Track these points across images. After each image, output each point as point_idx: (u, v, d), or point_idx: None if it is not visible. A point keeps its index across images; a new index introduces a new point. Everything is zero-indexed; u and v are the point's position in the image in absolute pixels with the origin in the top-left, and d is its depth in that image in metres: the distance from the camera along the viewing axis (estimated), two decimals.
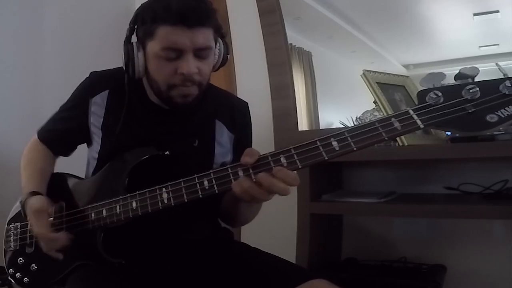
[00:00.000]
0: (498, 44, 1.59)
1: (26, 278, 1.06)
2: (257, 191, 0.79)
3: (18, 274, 1.07)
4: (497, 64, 0.78)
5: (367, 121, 1.54)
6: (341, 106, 1.95)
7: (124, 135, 1.05)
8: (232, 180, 0.82)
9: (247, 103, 1.18)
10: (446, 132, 1.45)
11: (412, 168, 1.65)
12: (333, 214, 1.69)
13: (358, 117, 1.73)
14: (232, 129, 1.12)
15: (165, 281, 1.00)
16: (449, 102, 0.71)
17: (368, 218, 1.75)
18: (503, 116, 0.68)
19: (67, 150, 1.18)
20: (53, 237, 0.97)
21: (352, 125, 1.72)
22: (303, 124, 1.91)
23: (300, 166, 0.79)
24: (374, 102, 1.66)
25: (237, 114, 1.14)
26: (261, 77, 1.95)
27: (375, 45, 1.85)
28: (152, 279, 0.98)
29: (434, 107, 0.71)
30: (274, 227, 1.79)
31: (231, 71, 2.08)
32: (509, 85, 0.68)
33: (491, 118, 0.68)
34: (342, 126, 1.81)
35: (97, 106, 1.08)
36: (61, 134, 1.15)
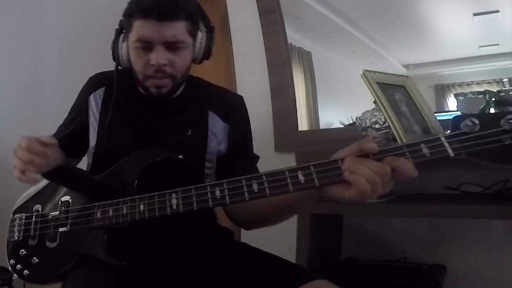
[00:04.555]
0: (498, 44, 1.59)
1: (26, 271, 1.06)
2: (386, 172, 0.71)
3: (19, 265, 1.07)
4: None
5: (367, 121, 1.54)
6: (341, 106, 1.95)
7: (118, 126, 1.08)
8: (246, 193, 0.80)
9: (242, 97, 1.20)
10: (446, 132, 1.44)
11: None
12: (333, 214, 1.69)
13: (358, 117, 1.73)
14: (226, 120, 1.13)
15: (166, 281, 1.00)
16: (485, 132, 0.67)
17: (368, 218, 1.75)
18: None
19: (75, 151, 1.18)
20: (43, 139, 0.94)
21: (351, 123, 1.72)
22: (303, 124, 1.91)
23: (317, 185, 0.75)
24: (374, 102, 1.65)
25: (230, 105, 1.16)
26: (261, 77, 1.94)
27: (375, 45, 1.85)
28: (152, 279, 0.98)
29: (469, 136, 0.68)
30: (274, 227, 1.78)
31: (231, 71, 2.08)
32: None
33: None
34: (342, 126, 1.81)
35: (95, 103, 1.12)
36: (65, 136, 1.16)
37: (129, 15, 1.01)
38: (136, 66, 1.05)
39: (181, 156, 1.02)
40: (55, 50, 2.47)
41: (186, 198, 0.87)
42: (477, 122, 0.68)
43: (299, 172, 0.76)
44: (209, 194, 0.84)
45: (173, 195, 0.89)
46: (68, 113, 1.20)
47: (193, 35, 1.05)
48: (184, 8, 0.99)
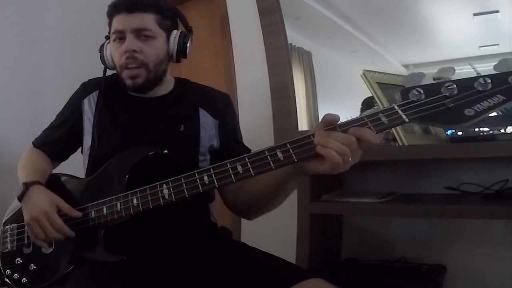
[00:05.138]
0: (498, 44, 1.59)
1: (24, 279, 1.06)
2: (354, 144, 0.76)
3: (16, 275, 1.07)
4: (470, 64, 0.84)
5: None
6: (341, 106, 1.95)
7: (112, 127, 1.11)
8: (232, 175, 0.84)
9: (228, 95, 1.26)
10: (446, 132, 1.45)
11: (412, 168, 1.65)
12: (333, 214, 1.69)
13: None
14: (215, 116, 1.17)
15: (163, 280, 1.00)
16: (430, 98, 0.77)
17: (368, 218, 1.75)
18: (479, 110, 0.74)
19: (63, 155, 1.22)
20: (61, 223, 0.99)
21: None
22: (303, 124, 1.91)
23: (296, 160, 0.81)
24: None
25: (218, 102, 1.20)
26: (261, 77, 1.94)
27: (375, 45, 1.85)
28: (151, 277, 0.99)
29: (417, 103, 0.77)
30: (274, 227, 1.79)
31: (231, 72, 2.08)
32: (483, 82, 0.75)
33: (469, 112, 0.75)
34: None
35: (89, 106, 1.16)
36: (57, 139, 1.19)
37: (109, 16, 1.12)
38: (115, 59, 1.12)
39: (166, 151, 1.05)
40: (55, 50, 2.47)
41: (177, 187, 0.90)
42: (422, 91, 0.78)
43: (277, 150, 0.82)
44: (198, 181, 0.88)
45: (164, 185, 0.92)
46: (57, 117, 1.22)
47: (165, 29, 1.12)
48: (151, 2, 1.09)
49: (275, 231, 1.83)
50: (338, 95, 1.99)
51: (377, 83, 1.59)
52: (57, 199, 1.02)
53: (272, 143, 1.91)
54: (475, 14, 1.62)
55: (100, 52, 1.15)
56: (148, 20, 1.08)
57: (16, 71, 2.40)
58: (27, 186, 1.04)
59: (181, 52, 1.14)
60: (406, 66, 1.77)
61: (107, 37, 1.15)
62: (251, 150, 1.19)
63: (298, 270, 1.00)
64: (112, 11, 1.11)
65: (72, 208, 1.02)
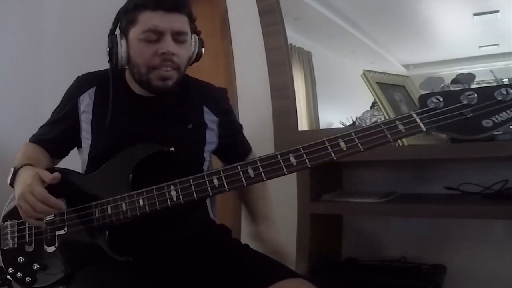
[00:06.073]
0: (498, 44, 1.59)
1: (28, 278, 1.04)
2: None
3: (19, 273, 1.05)
4: (491, 71, 0.82)
5: (367, 121, 1.55)
6: (341, 106, 1.95)
7: (115, 126, 1.07)
8: (243, 179, 0.83)
9: (226, 89, 1.26)
10: None
11: (412, 168, 1.65)
12: (333, 214, 1.69)
13: (358, 117, 1.73)
14: (216, 114, 1.16)
15: (167, 279, 1.00)
16: (449, 107, 0.74)
17: (368, 218, 1.75)
18: (497, 121, 0.72)
19: (61, 152, 1.19)
20: (47, 196, 0.94)
21: (351, 123, 1.73)
22: (303, 124, 1.91)
23: (309, 165, 0.80)
24: (373, 103, 1.66)
25: (219, 100, 1.20)
26: (261, 77, 1.94)
27: (375, 45, 1.85)
28: (155, 278, 0.99)
29: (436, 111, 0.75)
30: (274, 227, 1.78)
31: (231, 71, 2.08)
32: (504, 92, 0.73)
33: (487, 123, 0.73)
34: (342, 126, 1.81)
35: (86, 104, 1.12)
36: (54, 137, 1.16)
37: (135, 9, 1.03)
38: (139, 59, 1.04)
39: (172, 149, 1.03)
40: (55, 50, 2.47)
41: (185, 189, 0.89)
42: (441, 99, 0.76)
43: (290, 154, 0.80)
44: (207, 183, 0.86)
45: (172, 187, 0.90)
46: (53, 114, 1.19)
47: (192, 32, 1.09)
48: (186, 3, 1.05)
49: (275, 231, 1.82)
50: (338, 95, 1.99)
51: (377, 83, 1.59)
52: (39, 169, 0.99)
53: (272, 143, 1.92)
54: (475, 14, 1.62)
55: (110, 48, 1.05)
56: (185, 23, 1.05)
57: (16, 71, 2.40)
58: (16, 170, 1.02)
59: (198, 57, 1.13)
60: (406, 66, 1.77)
61: (113, 31, 1.07)
62: (251, 147, 1.22)
63: (281, 269, 0.99)
64: (144, 5, 1.02)
65: (49, 173, 0.97)
